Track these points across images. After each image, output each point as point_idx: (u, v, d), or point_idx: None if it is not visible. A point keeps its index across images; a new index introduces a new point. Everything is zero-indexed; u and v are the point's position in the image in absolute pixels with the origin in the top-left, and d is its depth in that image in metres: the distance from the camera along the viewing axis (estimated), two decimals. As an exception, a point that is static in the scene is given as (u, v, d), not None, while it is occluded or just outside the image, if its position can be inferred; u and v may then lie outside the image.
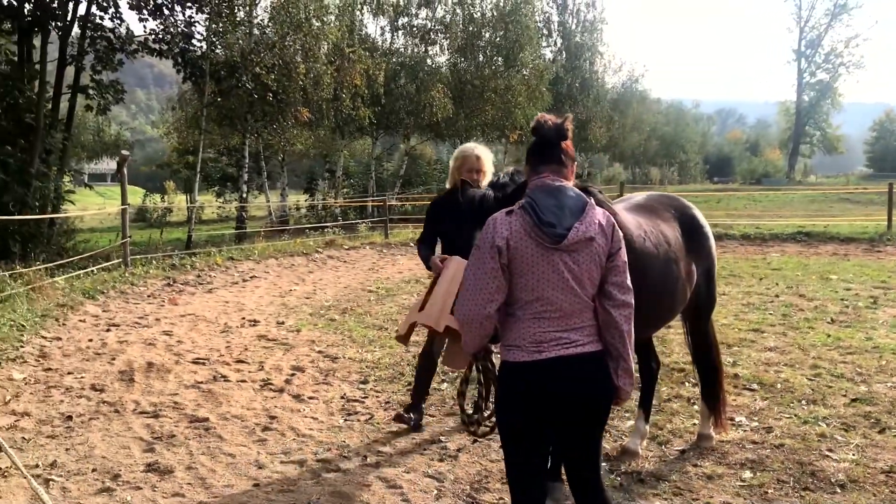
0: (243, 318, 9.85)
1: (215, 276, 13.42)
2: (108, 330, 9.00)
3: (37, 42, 17.04)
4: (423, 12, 30.62)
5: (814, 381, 6.97)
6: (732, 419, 6.02)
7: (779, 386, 6.80)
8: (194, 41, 19.33)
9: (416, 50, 30.11)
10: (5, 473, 4.82)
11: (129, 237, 13.60)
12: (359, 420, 6.00)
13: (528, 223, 2.95)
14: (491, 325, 3.05)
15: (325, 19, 20.74)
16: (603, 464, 5.09)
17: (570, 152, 3.21)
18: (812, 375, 7.13)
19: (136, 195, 43.92)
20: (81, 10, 17.66)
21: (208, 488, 4.69)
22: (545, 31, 41.36)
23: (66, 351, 7.97)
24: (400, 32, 30.16)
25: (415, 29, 30.26)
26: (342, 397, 6.60)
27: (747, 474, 4.93)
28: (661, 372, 7.07)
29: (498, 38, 32.10)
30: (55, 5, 16.73)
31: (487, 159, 5.49)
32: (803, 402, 6.40)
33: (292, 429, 5.80)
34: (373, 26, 29.72)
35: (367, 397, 6.61)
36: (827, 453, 5.26)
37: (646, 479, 4.87)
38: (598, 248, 3.02)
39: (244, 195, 22.79)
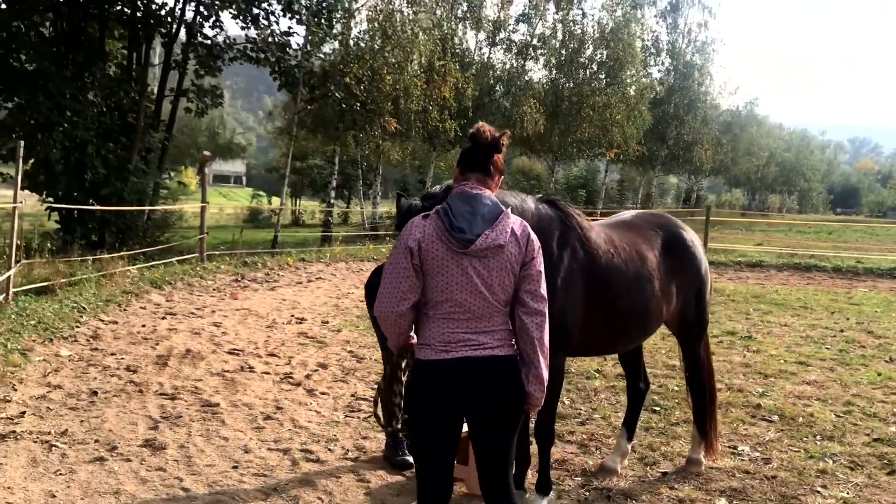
0: (292, 316, 10.23)
1: (283, 276, 13.95)
2: (163, 318, 9.55)
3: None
4: (523, 27, 30.83)
5: (841, 417, 6.68)
6: (735, 447, 5.88)
7: (800, 420, 6.56)
8: (289, 50, 20.15)
9: (513, 64, 30.29)
10: (17, 437, 5.25)
11: (206, 233, 14.32)
12: (357, 417, 6.18)
13: (439, 227, 3.06)
14: (405, 322, 3.16)
15: (416, 33, 21.19)
16: (577, 478, 5.12)
17: (498, 165, 3.28)
18: (842, 412, 6.84)
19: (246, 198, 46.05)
20: (188, 16, 18.76)
21: (190, 466, 4.98)
22: (653, 51, 40.71)
23: (117, 334, 8.52)
24: (498, 47, 30.44)
25: (514, 44, 30.44)
26: (353, 395, 6.80)
27: (721, 502, 4.82)
28: (680, 394, 6.98)
29: (599, 56, 31.90)
30: (162, 13, 17.84)
31: None
32: (819, 437, 6.15)
33: (292, 420, 6.04)
34: (473, 40, 30.05)
35: (376, 397, 6.79)
36: (819, 489, 5.07)
37: (614, 496, 4.83)
38: (511, 255, 3.09)
39: (331, 201, 23.53)
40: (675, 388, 7.32)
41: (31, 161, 16.40)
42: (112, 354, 7.68)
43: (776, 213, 68.84)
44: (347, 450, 5.41)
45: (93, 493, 4.46)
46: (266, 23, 19.40)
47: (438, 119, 21.60)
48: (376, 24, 20.91)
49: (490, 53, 30.34)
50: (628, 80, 32.16)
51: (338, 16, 21.15)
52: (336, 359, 8.09)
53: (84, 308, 9.16)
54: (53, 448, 5.13)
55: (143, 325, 9.01)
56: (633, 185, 53.26)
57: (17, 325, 7.84)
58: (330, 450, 5.42)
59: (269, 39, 19.38)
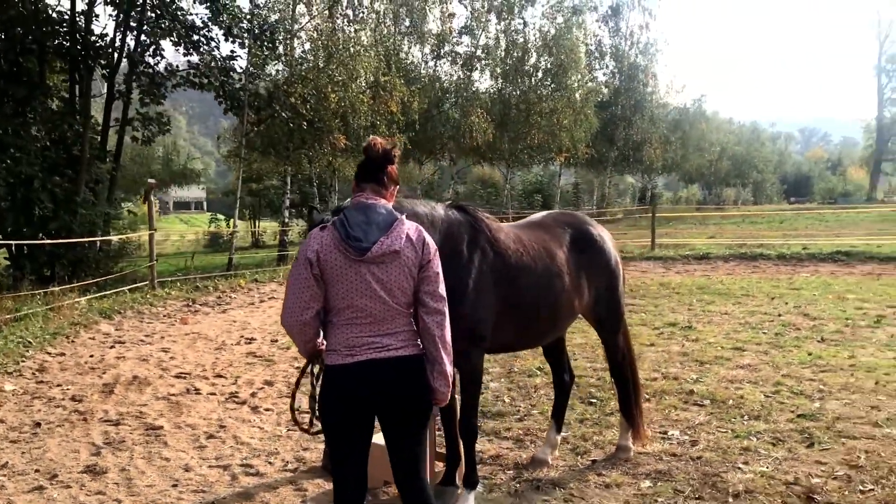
0: (241, 337, 10.31)
1: (235, 298, 14.00)
2: (112, 347, 9.57)
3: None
4: (466, 39, 31.23)
5: (770, 397, 6.96)
6: (666, 432, 6.12)
7: (730, 402, 6.82)
8: (233, 74, 20.21)
9: (460, 76, 30.63)
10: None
11: (156, 260, 14.33)
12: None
13: (336, 238, 3.22)
14: (310, 330, 3.32)
15: (359, 50, 21.37)
16: (510, 471, 5.30)
17: (392, 175, 3.45)
18: (771, 392, 7.12)
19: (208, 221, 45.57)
20: (129, 46, 18.74)
21: (130, 488, 5.07)
22: (597, 55, 41.38)
23: (64, 365, 8.54)
24: (443, 60, 30.74)
25: (459, 56, 30.79)
26: (297, 409, 6.90)
27: (646, 484, 5.04)
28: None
29: (544, 63, 32.39)
30: (100, 45, 17.82)
31: None
32: (746, 417, 6.42)
33: (235, 437, 6.15)
34: (418, 54, 30.36)
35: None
36: (740, 466, 5.31)
37: (543, 486, 5.02)
38: (408, 259, 3.26)
39: (286, 220, 23.60)
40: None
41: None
42: (58, 386, 7.71)
43: (732, 206, 69.90)
44: (287, 462, 5.54)
45: (30, 521, 4.55)
46: (208, 48, 19.43)
47: (387, 133, 21.79)
48: (319, 44, 21.07)
49: (436, 66, 30.69)
50: (574, 85, 32.67)
51: (280, 37, 21.27)
52: (283, 375, 8.19)
53: (30, 342, 9.16)
54: (-8, 480, 5.18)
55: (91, 356, 9.03)
56: (589, 188, 53.93)
57: (-42, 364, 7.84)
58: (270, 463, 5.54)
59: (212, 64, 19.40)
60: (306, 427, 3.66)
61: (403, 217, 3.34)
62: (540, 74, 32.86)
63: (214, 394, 7.48)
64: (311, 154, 20.09)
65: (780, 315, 11.10)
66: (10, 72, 16.90)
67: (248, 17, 20.03)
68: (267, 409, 6.92)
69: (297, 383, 3.73)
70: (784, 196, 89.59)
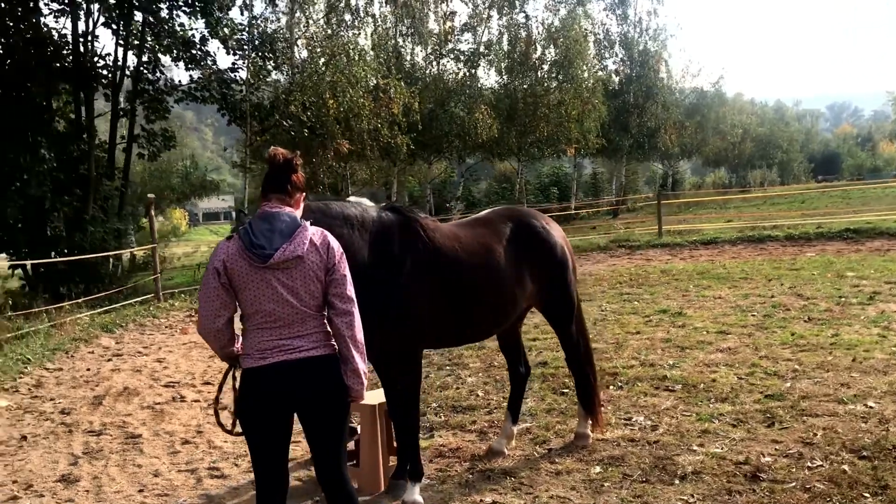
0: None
1: (238, 306, 14.22)
2: (109, 360, 9.82)
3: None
4: (468, 36, 31.32)
5: (742, 379, 7.00)
6: (630, 418, 6.20)
7: (701, 386, 6.87)
8: (234, 85, 20.53)
9: (465, 73, 30.71)
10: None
11: (160, 272, 14.63)
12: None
13: (240, 247, 3.36)
14: (223, 336, 3.47)
15: (358, 55, 21.56)
16: (466, 463, 5.42)
17: (297, 183, 3.58)
18: (745, 374, 7.16)
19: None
20: (130, 64, 19.16)
21: (99, 495, 5.27)
22: (606, 44, 41.23)
23: (60, 380, 8.80)
24: (446, 59, 30.84)
25: (461, 54, 30.89)
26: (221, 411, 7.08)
27: (596, 469, 5.13)
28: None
29: (549, 55, 32.38)
30: (100, 65, 18.26)
31: None
32: (713, 400, 6.47)
33: (209, 441, 6.34)
34: (420, 54, 30.52)
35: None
36: (695, 448, 5.38)
37: (494, 475, 5.13)
38: (312, 264, 3.39)
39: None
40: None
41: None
42: (51, 400, 7.95)
43: (757, 188, 69.08)
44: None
45: (-3, 529, 4.75)
46: (207, 62, 19.75)
47: (389, 136, 21.98)
48: (318, 51, 21.29)
49: (439, 66, 30.78)
50: (584, 76, 32.58)
51: (279, 46, 21.54)
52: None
53: (29, 359, 9.44)
54: (-30, 493, 5.41)
55: (88, 369, 9.28)
56: (607, 177, 53.67)
57: (-45, 383, 8.12)
58: (237, 465, 5.71)
59: (212, 77, 19.73)
60: (229, 428, 3.79)
61: (307, 223, 3.47)
62: (546, 67, 32.83)
63: (199, 401, 7.67)
64: (315, 161, 20.31)
65: (772, 297, 11.08)
66: (17, 96, 17.36)
67: (246, 28, 20.35)
68: (246, 414, 7.08)
69: (220, 387, 3.88)
70: (812, 175, 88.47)
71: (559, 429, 6.01)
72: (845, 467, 4.84)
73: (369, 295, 4.18)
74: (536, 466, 5.26)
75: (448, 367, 8.39)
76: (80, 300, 13.56)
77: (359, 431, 5.33)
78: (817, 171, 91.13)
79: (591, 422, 5.70)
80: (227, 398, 5.54)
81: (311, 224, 3.65)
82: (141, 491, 5.28)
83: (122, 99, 18.98)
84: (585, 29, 35.33)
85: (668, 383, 7.05)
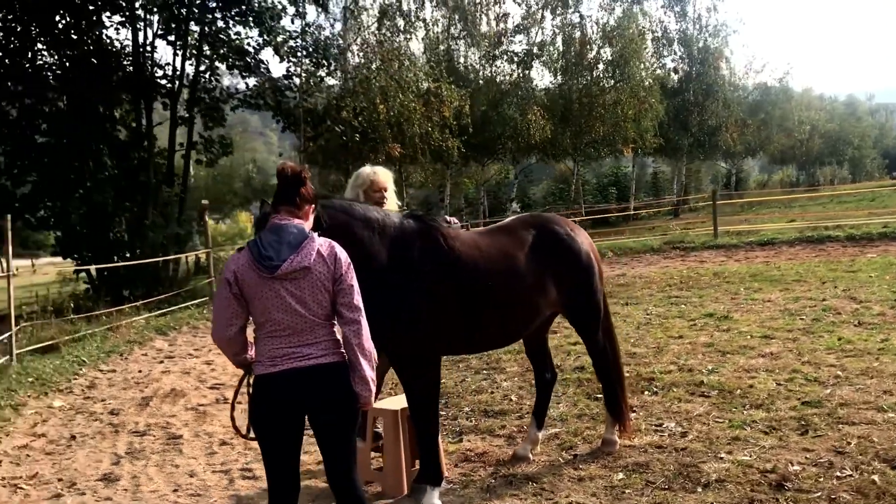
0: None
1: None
2: (161, 362, 10.16)
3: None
4: (521, 38, 31.27)
5: (781, 385, 6.86)
6: (661, 424, 6.14)
7: (738, 392, 6.76)
8: (288, 93, 20.97)
9: (519, 75, 30.66)
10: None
11: (214, 276, 15.02)
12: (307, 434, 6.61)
13: (250, 258, 3.49)
14: (236, 344, 3.62)
15: (408, 60, 21.78)
16: (490, 468, 5.46)
17: (306, 196, 3.67)
18: (784, 380, 7.02)
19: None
20: (188, 72, 19.74)
21: (136, 493, 5.48)
22: (664, 42, 40.60)
23: (112, 382, 9.15)
24: (498, 60, 30.83)
25: (515, 55, 30.85)
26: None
27: (619, 476, 5.10)
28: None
29: (604, 55, 32.13)
30: (159, 75, 18.87)
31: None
32: (748, 406, 6.37)
33: (245, 443, 6.50)
34: (474, 56, 30.55)
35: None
36: (723, 456, 5.31)
37: (516, 480, 5.15)
38: (320, 274, 3.49)
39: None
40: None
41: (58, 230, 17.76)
42: (102, 401, 8.28)
43: (826, 186, 67.06)
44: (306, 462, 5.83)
45: (38, 525, 5.00)
46: (261, 70, 20.23)
47: (440, 139, 22.12)
48: (369, 56, 21.59)
49: (492, 68, 30.80)
50: (642, 74, 32.19)
51: (333, 52, 21.90)
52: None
53: (84, 361, 9.83)
54: (18, 490, 5.68)
55: (139, 371, 9.62)
56: (668, 177, 52.79)
57: (14, 384, 8.50)
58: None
59: (266, 85, 20.19)
60: (244, 433, 3.92)
61: (315, 235, 3.57)
62: (601, 66, 32.57)
63: (241, 402, 7.86)
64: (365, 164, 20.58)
65: (824, 300, 10.80)
66: (81, 106, 18.04)
67: (300, 35, 20.76)
68: (283, 416, 7.25)
69: (236, 393, 4.01)
70: (886, 171, 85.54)
71: (588, 434, 6.00)
72: (875, 477, 4.72)
73: (383, 298, 4.28)
74: (560, 472, 5.26)
75: (485, 371, 8.43)
76: (138, 303, 14.01)
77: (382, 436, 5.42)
78: (892, 168, 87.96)
79: (618, 428, 5.68)
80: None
81: (332, 222, 3.74)
82: (175, 490, 5.47)
83: (180, 107, 19.52)
84: (643, 27, 34.93)
85: (703, 389, 6.96)
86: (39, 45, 18.33)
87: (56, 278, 23.38)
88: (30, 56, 18.12)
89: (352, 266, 3.61)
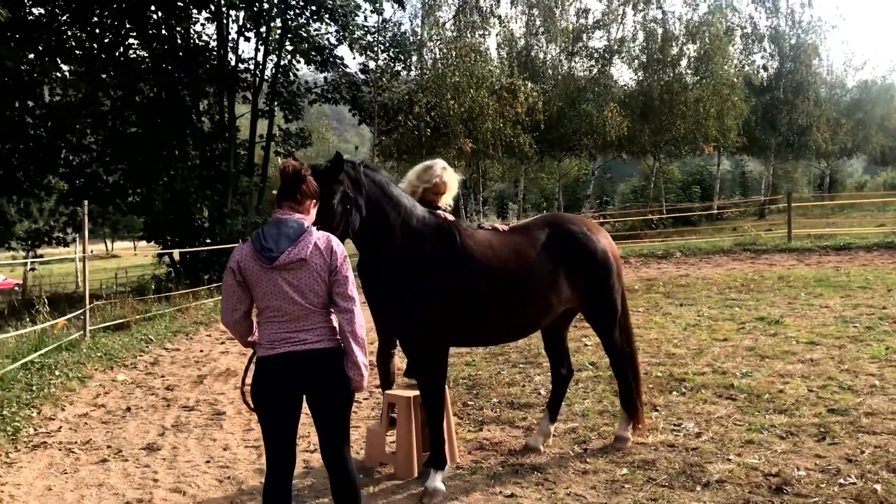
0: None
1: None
2: (222, 343, 10.72)
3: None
4: (601, 33, 30.95)
5: (812, 392, 6.81)
6: (679, 424, 6.21)
7: (766, 396, 6.75)
8: (363, 88, 21.49)
9: (595, 71, 30.40)
10: (46, 446, 6.39)
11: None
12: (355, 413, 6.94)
13: (252, 249, 3.82)
14: (242, 327, 3.96)
15: (481, 56, 21.96)
16: (501, 457, 5.67)
17: (308, 192, 3.97)
18: (817, 387, 6.96)
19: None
20: (268, 68, 20.52)
21: (172, 462, 5.92)
22: (754, 38, 39.41)
23: (174, 360, 9.73)
24: (577, 56, 30.62)
25: (594, 51, 30.60)
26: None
27: (623, 471, 5.23)
28: (647, 380, 7.29)
29: (687, 51, 31.51)
30: (241, 69, 19.63)
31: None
32: (772, 411, 6.36)
33: (280, 422, 6.89)
34: (553, 51, 30.41)
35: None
36: (731, 457, 5.36)
37: (522, 470, 5.34)
38: (316, 266, 3.78)
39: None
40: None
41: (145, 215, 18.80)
42: (161, 377, 8.85)
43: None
44: (312, 442, 6.18)
45: (81, 486, 5.47)
46: (337, 65, 20.80)
47: (512, 135, 22.23)
48: (444, 52, 21.88)
49: (570, 63, 30.61)
50: (731, 71, 31.41)
51: (410, 48, 22.30)
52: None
53: (151, 339, 10.47)
54: (71, 454, 6.21)
55: (201, 351, 10.19)
56: (756, 176, 51.31)
57: (84, 357, 9.16)
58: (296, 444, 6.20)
59: (342, 80, 20.75)
60: (252, 407, 4.25)
61: (313, 229, 3.85)
62: (684, 63, 31.99)
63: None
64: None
65: (884, 308, 10.50)
66: (168, 98, 19.01)
67: (377, 31, 21.24)
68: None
69: (246, 370, 4.33)
70: None
71: (604, 430, 6.12)
72: (877, 486, 4.71)
73: (399, 291, 4.62)
74: (566, 464, 5.42)
75: (522, 365, 8.60)
76: (212, 286, 14.71)
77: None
78: None
79: (632, 425, 5.79)
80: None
81: (364, 189, 4.14)
82: (207, 462, 5.88)
83: (260, 101, 20.28)
84: (732, 23, 34.09)
85: (732, 392, 6.96)
86: (132, 40, 19.40)
87: (153, 260, 24.61)
88: (122, 50, 19.17)
89: (347, 258, 3.89)
